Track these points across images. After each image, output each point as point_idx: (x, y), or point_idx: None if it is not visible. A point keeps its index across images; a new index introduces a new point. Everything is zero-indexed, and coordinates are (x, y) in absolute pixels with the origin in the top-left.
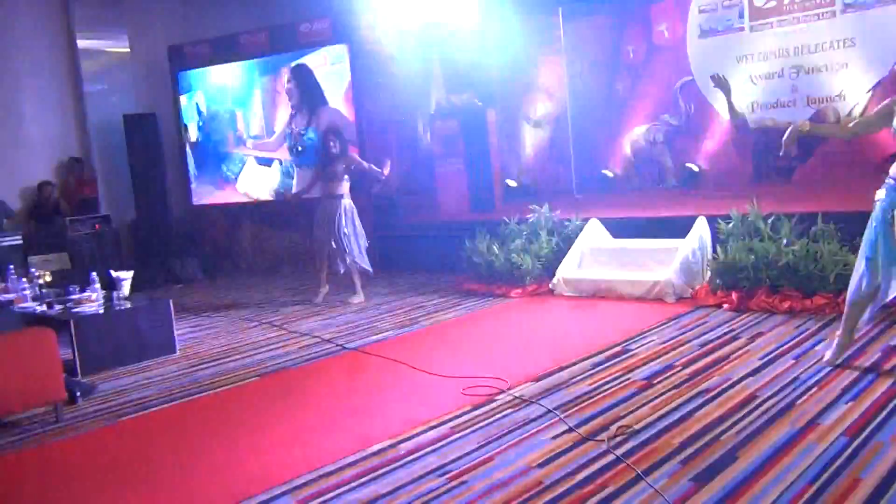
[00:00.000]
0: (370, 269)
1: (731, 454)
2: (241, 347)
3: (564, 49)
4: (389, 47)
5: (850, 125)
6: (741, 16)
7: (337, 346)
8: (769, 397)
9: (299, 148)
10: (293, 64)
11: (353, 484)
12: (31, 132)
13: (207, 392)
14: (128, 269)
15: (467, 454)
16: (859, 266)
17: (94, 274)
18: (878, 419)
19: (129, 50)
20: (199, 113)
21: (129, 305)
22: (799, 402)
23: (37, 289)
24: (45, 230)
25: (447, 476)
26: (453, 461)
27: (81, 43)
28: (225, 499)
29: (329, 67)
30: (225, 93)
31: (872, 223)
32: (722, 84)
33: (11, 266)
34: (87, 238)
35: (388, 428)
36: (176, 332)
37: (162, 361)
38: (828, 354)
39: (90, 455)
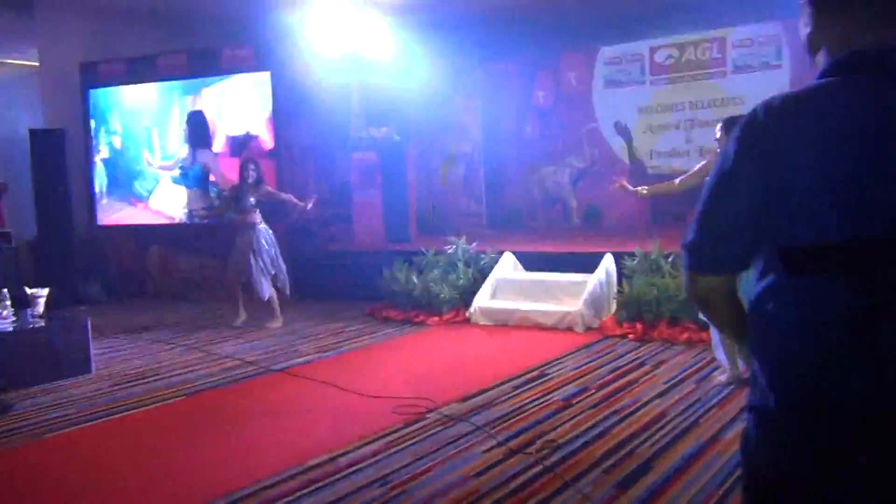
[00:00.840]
0: (287, 292)
1: (647, 464)
2: (160, 369)
3: (480, 91)
4: (311, 77)
5: (677, 182)
6: (643, 71)
7: (262, 367)
8: (676, 416)
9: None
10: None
11: (296, 495)
12: None
13: (132, 411)
14: (28, 287)
15: (405, 466)
16: None
17: (5, 290)
18: None
19: (38, 64)
20: (113, 131)
21: (43, 323)
22: (702, 420)
23: None
24: None
25: (388, 486)
26: (392, 473)
27: None
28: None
29: (251, 92)
30: (141, 112)
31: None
32: (623, 132)
33: None
34: None
35: (324, 444)
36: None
37: (78, 381)
38: (722, 378)
39: (18, 470)
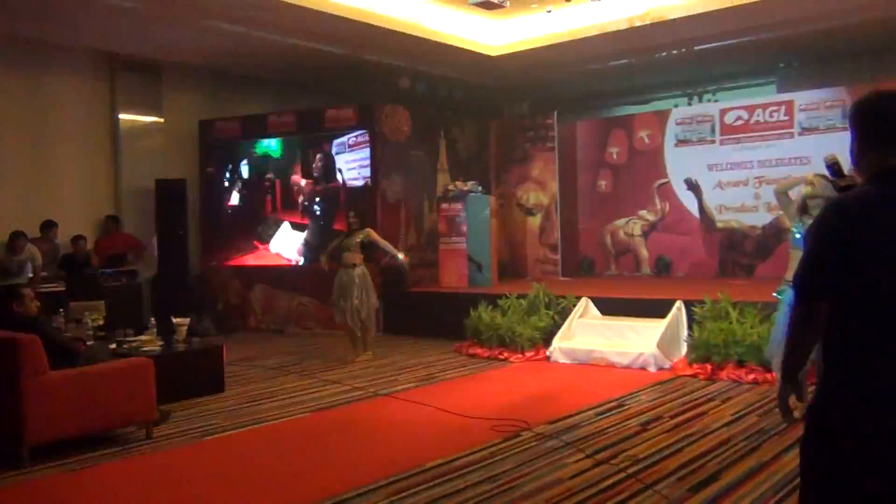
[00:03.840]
0: (375, 329)
1: (714, 476)
2: (281, 390)
3: (556, 146)
4: (404, 135)
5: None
6: (713, 130)
7: (369, 392)
8: (741, 440)
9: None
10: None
11: (418, 489)
12: (69, 191)
13: (265, 423)
14: (148, 319)
15: (508, 470)
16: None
17: (153, 319)
18: None
19: (162, 121)
20: (235, 181)
21: (184, 348)
22: (765, 444)
23: (89, 331)
24: (77, 280)
25: (497, 483)
26: (499, 473)
27: (123, 116)
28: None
29: (349, 154)
30: (264, 163)
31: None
32: (694, 187)
33: (61, 310)
34: (117, 289)
35: (436, 451)
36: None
37: (216, 398)
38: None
39: (182, 466)
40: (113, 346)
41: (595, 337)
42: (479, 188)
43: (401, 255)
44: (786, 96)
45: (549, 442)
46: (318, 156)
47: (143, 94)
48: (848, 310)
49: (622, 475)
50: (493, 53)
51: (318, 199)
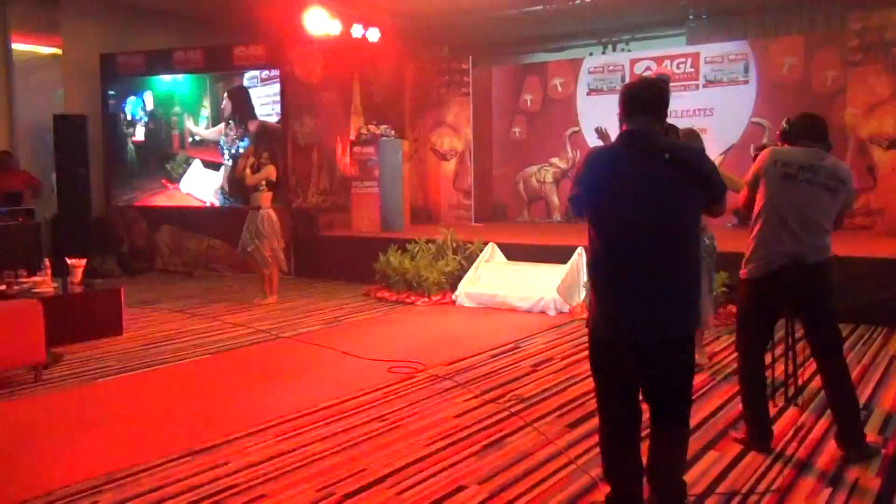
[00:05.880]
0: (284, 268)
1: (593, 412)
2: (182, 333)
3: (471, 91)
4: (317, 76)
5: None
6: (623, 80)
7: (272, 334)
8: None
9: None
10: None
11: (312, 426)
12: None
13: (162, 365)
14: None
15: (399, 409)
16: None
17: (46, 260)
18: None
19: (61, 52)
20: (139, 117)
21: (80, 290)
22: None
23: None
24: None
25: (387, 421)
26: (389, 413)
27: (16, 46)
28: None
29: (261, 88)
30: (168, 99)
31: None
32: (604, 136)
33: None
34: (12, 229)
35: (331, 392)
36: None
37: (114, 340)
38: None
39: (72, 408)
40: (2, 287)
41: (500, 281)
42: (392, 132)
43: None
44: (692, 48)
45: (442, 383)
46: (227, 93)
47: (38, 21)
48: (591, 237)
49: (506, 413)
50: None
51: (231, 138)
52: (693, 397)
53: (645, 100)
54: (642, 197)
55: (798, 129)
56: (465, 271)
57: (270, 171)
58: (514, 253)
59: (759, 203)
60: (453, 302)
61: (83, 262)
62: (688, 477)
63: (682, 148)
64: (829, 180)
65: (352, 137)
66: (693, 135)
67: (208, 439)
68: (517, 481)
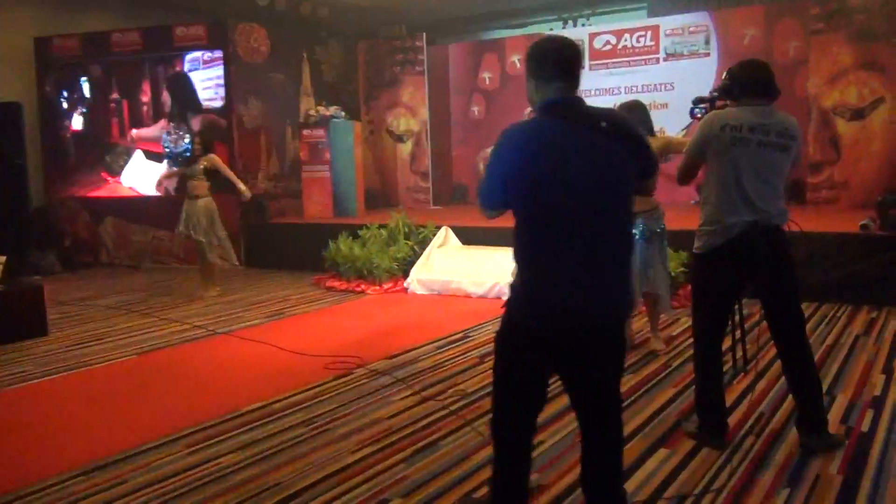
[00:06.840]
0: (236, 262)
1: None
2: (113, 332)
3: (426, 70)
4: (262, 56)
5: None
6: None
7: (209, 331)
8: None
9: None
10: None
11: (235, 433)
12: None
13: (85, 368)
14: None
15: (329, 411)
16: None
17: None
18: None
19: None
20: (81, 104)
21: (2, 288)
22: None
23: None
24: None
25: (312, 426)
26: (316, 416)
27: None
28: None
29: (203, 71)
30: (106, 85)
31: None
32: None
33: None
34: None
35: (260, 394)
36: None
37: (36, 342)
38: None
39: None
40: None
41: (453, 267)
42: (343, 113)
43: (244, 190)
44: (652, 21)
45: (381, 379)
46: (166, 82)
47: None
48: (521, 221)
49: (445, 412)
50: None
51: (174, 138)
52: (647, 386)
53: (570, 61)
54: (583, 169)
55: (742, 82)
56: (419, 257)
57: (213, 160)
58: (473, 236)
59: (709, 171)
60: (405, 290)
61: (3, 258)
62: (632, 481)
63: (616, 115)
64: (781, 138)
65: (301, 119)
66: (640, 107)
67: (111, 451)
68: (445, 492)
